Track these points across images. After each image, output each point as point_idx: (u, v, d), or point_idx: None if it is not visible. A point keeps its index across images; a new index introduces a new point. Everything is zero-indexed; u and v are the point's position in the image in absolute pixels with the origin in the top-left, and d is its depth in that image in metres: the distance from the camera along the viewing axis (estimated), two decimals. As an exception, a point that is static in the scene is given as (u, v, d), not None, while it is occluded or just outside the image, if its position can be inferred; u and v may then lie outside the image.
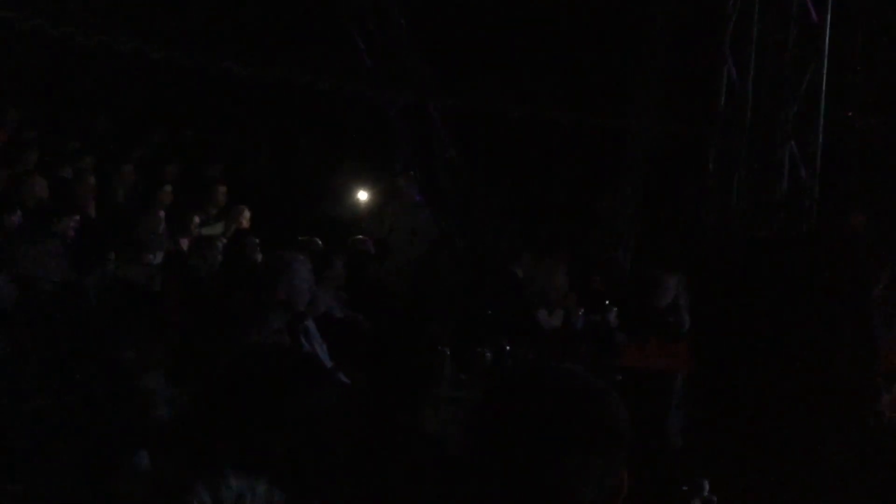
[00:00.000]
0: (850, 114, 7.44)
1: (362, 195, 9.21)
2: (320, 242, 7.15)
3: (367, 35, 5.87)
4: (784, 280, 5.22)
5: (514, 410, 1.62)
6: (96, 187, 8.12)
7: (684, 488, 4.05)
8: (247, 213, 8.41)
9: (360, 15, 5.89)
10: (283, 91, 11.31)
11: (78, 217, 6.50)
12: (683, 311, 7.88)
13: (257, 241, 7.10)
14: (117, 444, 3.45)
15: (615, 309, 7.88)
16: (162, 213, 7.90)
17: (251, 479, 2.28)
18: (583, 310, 7.70)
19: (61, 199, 7.47)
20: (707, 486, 3.99)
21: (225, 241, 7.50)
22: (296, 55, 11.19)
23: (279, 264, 4.80)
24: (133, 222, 7.62)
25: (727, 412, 5.45)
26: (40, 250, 5.08)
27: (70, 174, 8.36)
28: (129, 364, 4.14)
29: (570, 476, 1.59)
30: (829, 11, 5.21)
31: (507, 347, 5.84)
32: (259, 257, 6.59)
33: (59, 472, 3.99)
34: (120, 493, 3.26)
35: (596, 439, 1.61)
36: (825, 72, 5.25)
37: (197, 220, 8.12)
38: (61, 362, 4.56)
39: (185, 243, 7.70)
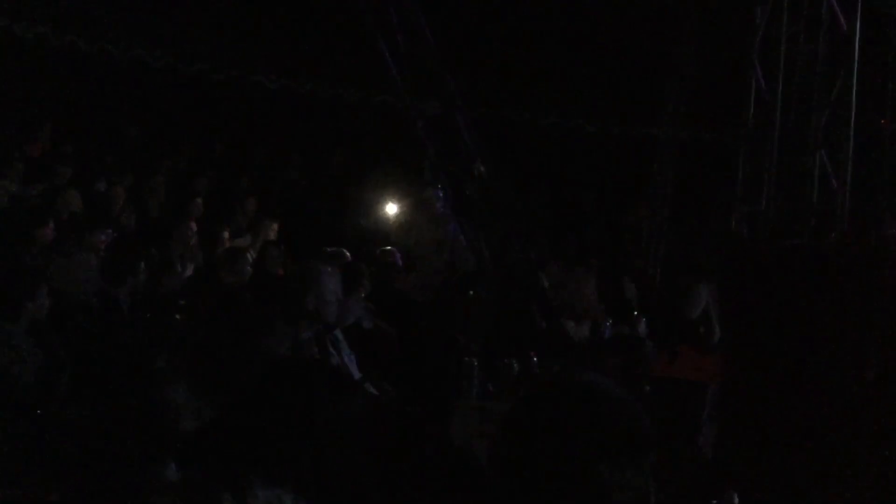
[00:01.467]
0: (882, 121, 7.36)
1: (391, 207, 9.24)
2: (348, 254, 7.18)
3: (394, 47, 5.91)
4: (815, 289, 5.17)
5: (541, 421, 1.63)
6: (129, 200, 8.23)
7: (714, 502, 4.01)
8: (274, 226, 8.48)
9: (387, 28, 5.93)
10: (313, 104, 11.40)
11: (111, 230, 6.59)
12: (714, 321, 7.82)
13: (279, 252, 7.14)
14: (147, 456, 3.49)
15: (644, 319, 7.84)
16: (194, 226, 7.99)
17: (278, 489, 2.30)
18: (611, 320, 7.66)
19: (95, 211, 7.58)
20: (736, 499, 3.95)
21: (253, 253, 7.56)
22: (325, 68, 11.28)
23: (308, 275, 4.83)
24: (165, 234, 7.71)
25: (759, 424, 5.40)
26: (73, 263, 5.15)
27: (104, 187, 8.48)
28: (160, 375, 4.19)
29: (599, 486, 1.59)
30: (859, 18, 5.17)
31: (535, 358, 5.83)
32: (279, 270, 6.63)
33: (92, 484, 4.04)
34: None
35: (623, 449, 1.62)
36: (855, 79, 5.20)
37: (227, 232, 8.19)
38: (93, 374, 4.61)
39: (214, 256, 7.77)
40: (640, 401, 1.74)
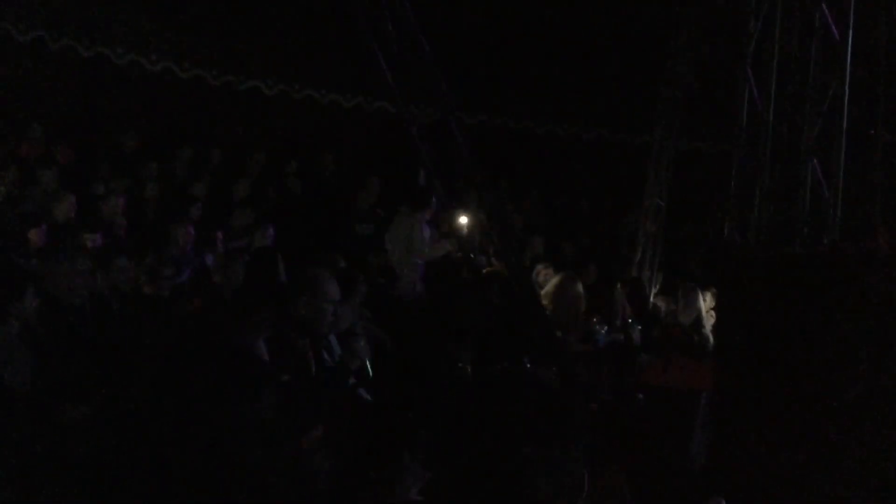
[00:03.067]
0: (872, 131, 7.39)
1: (462, 219, 9.07)
2: (342, 259, 7.19)
3: (389, 55, 5.94)
4: (807, 297, 5.18)
5: (482, 404, 1.90)
6: (125, 205, 8.24)
7: (704, 508, 4.02)
8: (271, 231, 8.49)
9: (383, 35, 5.96)
10: (310, 110, 11.42)
11: (101, 234, 6.60)
12: (707, 328, 7.84)
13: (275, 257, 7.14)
14: (139, 458, 3.50)
15: (638, 327, 7.85)
16: (191, 230, 8.00)
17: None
18: (606, 328, 7.67)
19: (90, 216, 7.59)
20: (725, 505, 3.95)
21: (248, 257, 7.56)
22: (322, 75, 11.31)
23: (305, 280, 4.82)
24: (161, 239, 7.72)
25: (751, 430, 5.41)
26: (66, 266, 5.16)
27: (100, 191, 8.49)
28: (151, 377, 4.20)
29: (526, 466, 1.82)
30: (851, 28, 5.19)
31: (528, 365, 5.83)
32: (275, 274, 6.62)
33: (83, 488, 4.04)
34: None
35: (550, 434, 1.85)
36: (847, 89, 5.23)
37: (222, 236, 8.20)
38: (86, 378, 4.62)
39: (210, 260, 7.78)
40: (577, 395, 2.08)
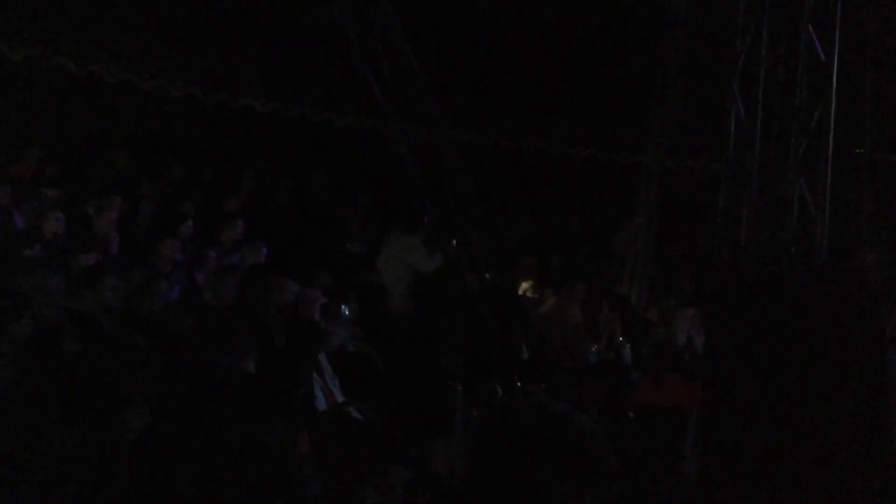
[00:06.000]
0: (859, 150, 7.45)
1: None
2: (330, 277, 7.20)
3: (379, 73, 5.97)
4: (795, 317, 5.20)
5: (514, 441, 1.75)
6: (117, 223, 8.23)
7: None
8: (263, 249, 8.49)
9: (372, 54, 5.99)
10: (301, 127, 11.45)
11: (94, 254, 6.59)
12: (697, 347, 7.85)
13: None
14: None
15: (629, 345, 7.87)
16: (180, 247, 8.00)
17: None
18: (596, 346, 7.69)
19: (81, 234, 7.58)
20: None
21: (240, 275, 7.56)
22: (313, 92, 11.34)
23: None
24: (152, 257, 7.71)
25: (741, 449, 5.42)
26: (56, 284, 5.15)
27: (92, 210, 8.48)
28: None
29: None
30: (837, 47, 5.25)
31: (519, 384, 5.84)
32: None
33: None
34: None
35: (586, 475, 1.72)
36: (833, 109, 5.27)
37: (214, 254, 8.20)
38: (76, 396, 4.61)
39: (201, 278, 7.78)
40: (607, 436, 1.84)
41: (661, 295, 9.14)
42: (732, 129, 5.74)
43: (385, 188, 10.18)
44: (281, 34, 10.83)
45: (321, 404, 5.31)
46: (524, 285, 8.38)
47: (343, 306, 6.16)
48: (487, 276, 7.68)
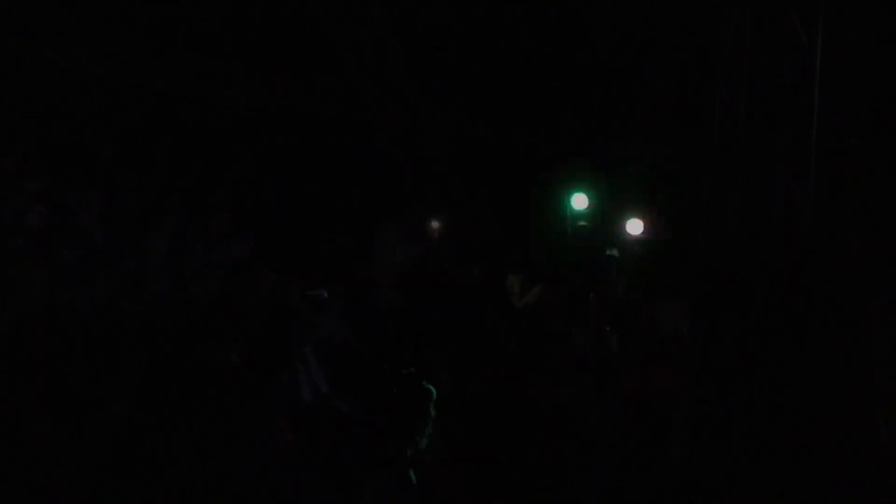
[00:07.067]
0: (843, 138, 7.46)
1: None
2: (318, 270, 7.19)
3: (365, 67, 5.97)
4: (780, 305, 5.22)
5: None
6: (101, 215, 8.19)
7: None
8: (250, 242, 8.46)
9: (358, 48, 5.99)
10: (288, 119, 11.41)
11: (77, 246, 6.56)
12: (684, 336, 7.87)
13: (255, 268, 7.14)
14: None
15: (616, 335, 7.87)
16: (166, 241, 7.96)
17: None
18: (583, 336, 7.69)
19: (64, 226, 7.54)
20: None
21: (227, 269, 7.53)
22: (300, 84, 11.30)
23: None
24: (138, 250, 7.68)
25: (727, 437, 5.45)
26: (39, 277, 5.12)
27: (75, 202, 8.43)
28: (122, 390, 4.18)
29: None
30: (820, 36, 5.26)
31: (503, 374, 5.84)
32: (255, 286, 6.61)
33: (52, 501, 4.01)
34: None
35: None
36: (817, 96, 5.28)
37: (200, 248, 8.17)
38: (58, 390, 4.58)
39: (187, 271, 7.75)
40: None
41: (648, 285, 9.15)
42: (717, 117, 5.76)
43: (373, 181, 10.16)
44: (267, 27, 10.79)
45: (306, 396, 5.30)
46: (511, 278, 8.38)
47: (322, 291, 6.14)
48: (475, 269, 7.68)
